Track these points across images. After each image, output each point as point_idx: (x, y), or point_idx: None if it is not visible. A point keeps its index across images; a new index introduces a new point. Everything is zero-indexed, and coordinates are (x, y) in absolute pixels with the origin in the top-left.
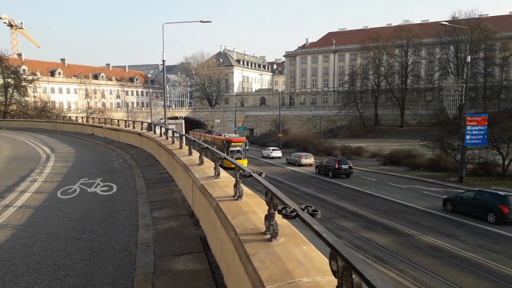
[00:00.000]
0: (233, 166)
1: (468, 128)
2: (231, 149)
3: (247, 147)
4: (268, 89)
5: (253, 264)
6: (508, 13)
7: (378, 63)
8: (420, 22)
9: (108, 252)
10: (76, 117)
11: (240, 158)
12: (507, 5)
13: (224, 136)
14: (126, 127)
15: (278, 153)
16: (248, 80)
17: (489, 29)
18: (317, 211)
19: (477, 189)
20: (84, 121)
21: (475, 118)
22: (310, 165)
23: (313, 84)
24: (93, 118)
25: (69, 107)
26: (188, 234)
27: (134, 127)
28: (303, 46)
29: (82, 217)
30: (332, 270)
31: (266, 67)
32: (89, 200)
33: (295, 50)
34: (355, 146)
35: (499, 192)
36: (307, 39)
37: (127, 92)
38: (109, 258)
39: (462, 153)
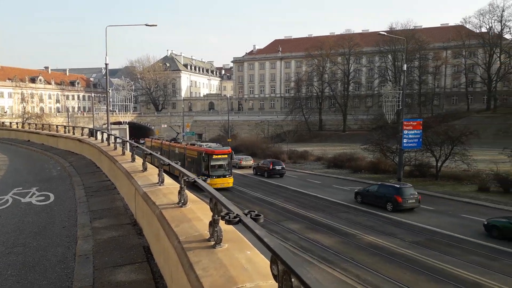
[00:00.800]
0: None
1: (405, 132)
2: (212, 163)
3: (233, 159)
4: (216, 94)
5: (196, 272)
6: (439, 25)
7: (322, 70)
8: (360, 31)
9: (43, 266)
10: (11, 123)
11: (225, 176)
12: (439, 18)
13: (201, 146)
14: (66, 133)
15: None
16: (196, 85)
17: (423, 40)
18: (260, 215)
19: (379, 183)
20: (19, 127)
21: (411, 123)
22: (250, 167)
23: (261, 90)
24: (29, 124)
25: (2, 112)
26: (131, 244)
27: (74, 133)
28: (251, 53)
29: (15, 230)
30: (273, 274)
31: (214, 72)
32: (23, 211)
33: (243, 56)
34: (301, 150)
35: (395, 185)
36: (254, 45)
37: (67, 97)
38: (44, 273)
39: (399, 156)
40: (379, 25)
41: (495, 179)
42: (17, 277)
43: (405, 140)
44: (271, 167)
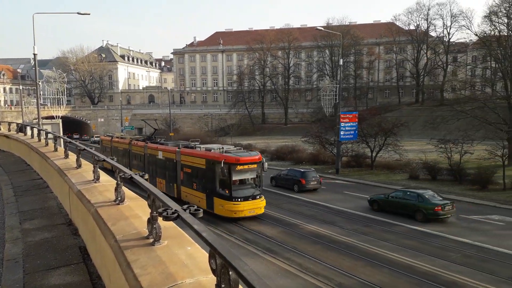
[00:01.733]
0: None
1: (342, 124)
2: (235, 177)
3: (264, 170)
4: (156, 87)
5: (134, 271)
6: (372, 22)
7: (263, 64)
8: (299, 26)
9: None
10: None
11: (254, 197)
12: (372, 15)
13: (210, 150)
14: None
15: None
16: (134, 76)
17: (358, 36)
18: (199, 210)
19: (289, 168)
20: None
21: (347, 115)
22: None
23: (203, 83)
24: None
25: None
26: (66, 245)
27: (0, 129)
28: (191, 44)
29: None
30: (211, 268)
31: (154, 64)
32: None
33: (183, 47)
34: (245, 144)
35: (300, 169)
36: (195, 37)
37: None
38: None
39: (337, 147)
40: (317, 21)
41: (424, 167)
42: None
43: (342, 132)
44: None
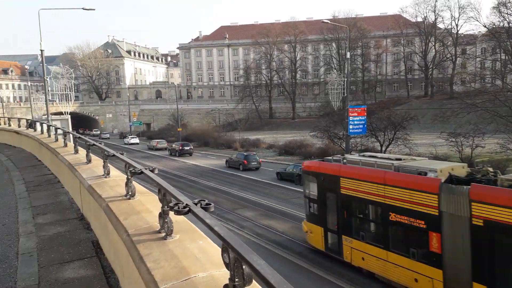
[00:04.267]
0: None
1: (351, 118)
2: None
3: None
4: (163, 82)
5: (147, 265)
6: (379, 14)
7: (270, 58)
8: (305, 19)
9: None
10: None
11: None
12: (379, 7)
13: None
14: (0, 124)
15: (136, 140)
16: (141, 72)
17: (365, 28)
18: (210, 204)
19: (238, 152)
20: None
21: (356, 109)
22: (165, 148)
23: (210, 77)
24: None
25: None
26: (78, 239)
27: (10, 125)
28: (197, 39)
29: None
30: (224, 262)
31: (160, 59)
32: None
33: (189, 42)
34: (253, 138)
35: (244, 153)
36: (200, 32)
37: (0, 86)
38: None
39: (346, 141)
40: (323, 13)
41: None
42: None
43: (351, 126)
44: (180, 147)
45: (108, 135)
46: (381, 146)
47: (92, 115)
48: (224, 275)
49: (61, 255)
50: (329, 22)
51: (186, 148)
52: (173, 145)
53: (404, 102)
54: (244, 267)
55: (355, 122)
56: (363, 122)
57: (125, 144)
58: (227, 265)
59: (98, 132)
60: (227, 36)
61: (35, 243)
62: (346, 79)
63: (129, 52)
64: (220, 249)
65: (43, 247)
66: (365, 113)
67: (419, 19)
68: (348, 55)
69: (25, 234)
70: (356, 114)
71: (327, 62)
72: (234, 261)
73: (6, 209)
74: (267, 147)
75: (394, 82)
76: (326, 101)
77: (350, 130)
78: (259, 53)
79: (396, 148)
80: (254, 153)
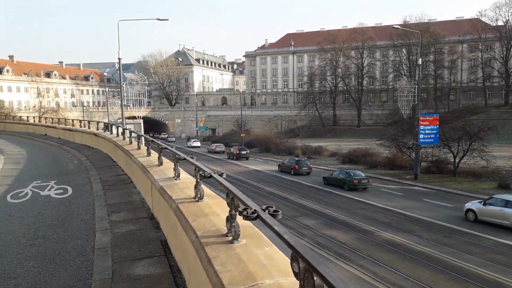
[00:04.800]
0: None
1: (421, 127)
2: None
3: None
4: (229, 89)
5: (215, 268)
6: (454, 18)
7: (335, 64)
8: (374, 25)
9: (63, 258)
10: (28, 117)
11: None
12: (453, 11)
13: None
14: (81, 127)
15: (197, 143)
16: (208, 79)
17: (438, 33)
18: (278, 211)
19: (289, 157)
20: (37, 121)
21: (427, 118)
22: (222, 152)
23: (274, 84)
24: (45, 118)
25: (19, 107)
26: (148, 238)
27: (89, 127)
28: (263, 47)
29: (35, 222)
30: (293, 271)
31: (227, 67)
32: (42, 204)
33: (255, 50)
34: (315, 146)
35: (295, 158)
36: (266, 40)
37: (82, 91)
38: (64, 265)
39: (416, 151)
40: (393, 19)
41: None
42: (39, 269)
43: (421, 136)
44: (238, 151)
45: (174, 139)
46: (455, 157)
47: (162, 120)
48: (291, 284)
49: (132, 252)
50: (399, 27)
51: (243, 152)
52: (231, 149)
53: (481, 111)
54: (315, 278)
55: (426, 132)
56: (435, 131)
57: (188, 147)
58: (296, 275)
59: (166, 136)
60: (293, 43)
61: (110, 239)
62: (417, 86)
63: (198, 60)
64: (286, 257)
65: (117, 244)
66: (438, 122)
67: (500, 23)
68: (419, 61)
69: (101, 230)
70: (427, 123)
71: (397, 68)
72: (304, 271)
73: (85, 206)
74: (330, 154)
75: (470, 90)
76: (394, 108)
77: (421, 140)
78: (325, 60)
79: (471, 160)
80: (305, 158)
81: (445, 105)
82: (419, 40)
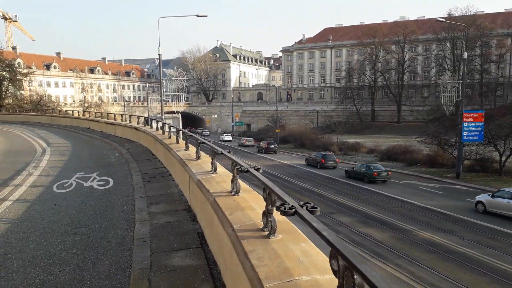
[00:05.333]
0: None
1: (465, 124)
2: None
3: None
4: (265, 84)
5: (251, 262)
6: (503, 10)
7: (375, 59)
8: (416, 18)
9: (104, 247)
10: (72, 111)
11: None
12: (502, 3)
13: None
14: (122, 121)
15: (229, 137)
16: (245, 75)
17: (485, 26)
18: (316, 208)
19: (316, 152)
20: (81, 115)
21: (472, 114)
22: (252, 145)
23: (310, 79)
24: (89, 112)
25: (65, 101)
26: (185, 229)
27: (130, 122)
28: (300, 42)
29: (78, 212)
30: (332, 269)
31: (263, 62)
32: (85, 194)
33: (292, 45)
34: (352, 142)
35: (322, 153)
36: (303, 34)
37: (123, 86)
38: (105, 253)
39: (459, 149)
40: (436, 12)
41: None
42: (81, 256)
43: (465, 133)
44: (266, 145)
45: (208, 133)
46: (501, 156)
47: (199, 115)
48: (329, 281)
49: (170, 243)
50: (444, 20)
51: (271, 146)
52: (261, 143)
53: None
54: (355, 276)
55: (470, 129)
56: (480, 128)
57: (220, 141)
58: (335, 272)
59: (201, 130)
60: (331, 38)
61: (148, 230)
62: (461, 81)
63: (235, 56)
64: (323, 254)
65: (155, 234)
66: (483, 119)
67: None
68: (465, 55)
69: (140, 221)
70: (472, 119)
71: (440, 63)
72: (344, 269)
73: (125, 197)
74: (368, 151)
75: None
76: (436, 104)
77: (464, 137)
78: (364, 54)
79: None
80: (332, 153)
81: (491, 101)
82: (465, 33)
